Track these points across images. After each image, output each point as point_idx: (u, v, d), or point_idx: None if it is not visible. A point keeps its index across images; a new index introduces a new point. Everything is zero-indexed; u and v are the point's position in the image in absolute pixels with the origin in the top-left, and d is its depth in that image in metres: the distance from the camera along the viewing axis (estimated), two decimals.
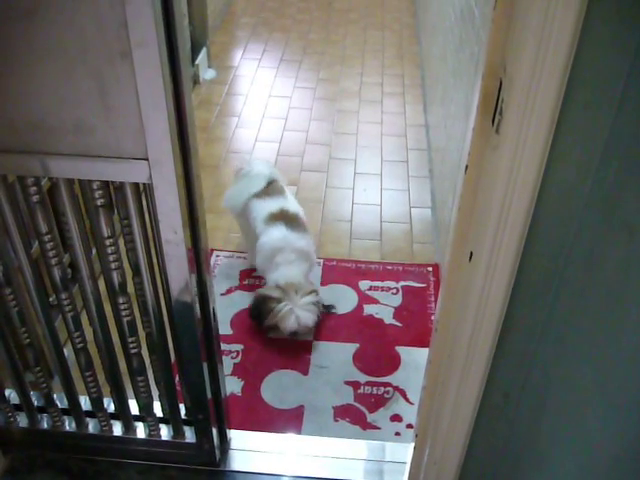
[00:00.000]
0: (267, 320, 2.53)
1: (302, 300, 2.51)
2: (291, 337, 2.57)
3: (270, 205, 2.72)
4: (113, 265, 1.58)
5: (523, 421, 1.40)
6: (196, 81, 4.41)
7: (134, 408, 1.97)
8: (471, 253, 1.21)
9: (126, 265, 1.61)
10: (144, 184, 1.44)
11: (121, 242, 1.56)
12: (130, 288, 1.65)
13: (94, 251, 1.60)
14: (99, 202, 1.47)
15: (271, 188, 2.79)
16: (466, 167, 1.18)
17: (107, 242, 1.54)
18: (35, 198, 1.48)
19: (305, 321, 2.51)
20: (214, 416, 1.93)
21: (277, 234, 2.63)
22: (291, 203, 2.79)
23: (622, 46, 0.95)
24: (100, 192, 1.45)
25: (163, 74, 1.24)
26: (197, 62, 4.37)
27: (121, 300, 1.65)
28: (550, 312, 1.22)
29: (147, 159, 1.35)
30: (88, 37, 1.21)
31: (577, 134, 1.04)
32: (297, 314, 2.49)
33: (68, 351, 1.85)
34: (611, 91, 1.00)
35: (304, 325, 2.52)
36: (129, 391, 1.90)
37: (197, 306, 1.66)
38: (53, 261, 1.59)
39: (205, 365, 1.78)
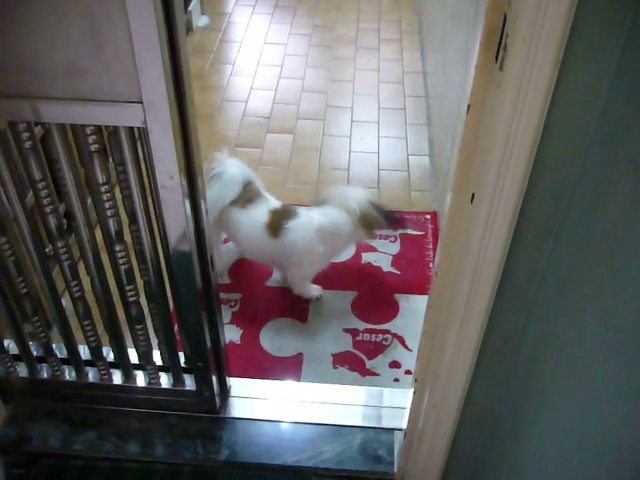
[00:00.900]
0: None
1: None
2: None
3: (259, 214, 2.43)
4: (109, 212, 1.56)
5: (523, 364, 1.40)
6: (189, 28, 4.32)
7: (133, 357, 1.97)
8: (473, 195, 1.19)
9: (122, 213, 1.59)
10: (139, 129, 1.41)
11: (117, 191, 1.54)
12: (127, 237, 1.63)
13: (90, 200, 1.58)
14: (93, 147, 1.44)
15: (249, 193, 2.46)
16: (468, 107, 1.15)
17: (102, 189, 1.52)
18: (27, 144, 1.45)
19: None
20: (213, 364, 1.94)
21: (308, 226, 2.40)
22: (273, 200, 2.50)
23: None
24: (94, 137, 1.42)
25: (156, 14, 1.21)
26: (190, 9, 4.27)
27: (118, 248, 1.64)
28: (552, 254, 1.21)
29: (141, 102, 1.32)
30: None
31: (583, 69, 1.01)
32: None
33: (66, 301, 1.85)
34: (618, 26, 0.97)
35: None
36: (128, 340, 1.90)
37: (195, 254, 1.64)
38: (48, 209, 1.57)
39: (204, 313, 1.78)
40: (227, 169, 2.47)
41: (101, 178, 1.50)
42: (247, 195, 2.45)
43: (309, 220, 2.42)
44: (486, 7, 1.05)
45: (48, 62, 1.29)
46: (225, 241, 2.76)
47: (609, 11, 0.97)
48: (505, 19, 1.01)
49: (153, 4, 1.19)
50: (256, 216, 2.42)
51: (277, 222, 2.40)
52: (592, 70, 1.02)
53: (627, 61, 0.97)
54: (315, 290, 2.57)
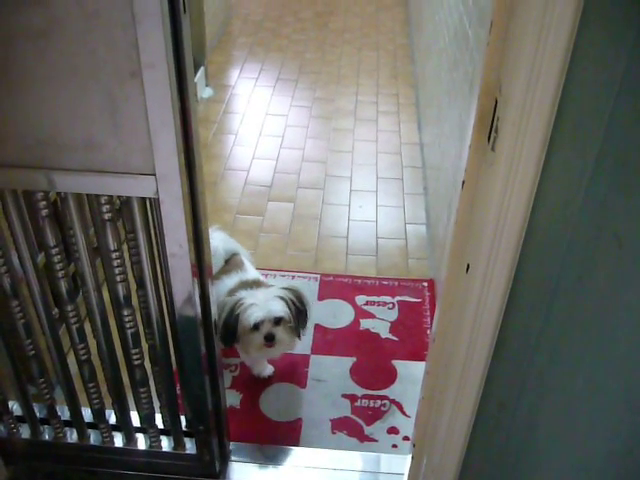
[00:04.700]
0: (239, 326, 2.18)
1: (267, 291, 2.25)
2: (267, 341, 2.21)
3: (228, 284, 2.39)
4: (118, 278, 1.62)
5: (519, 429, 1.44)
6: None
7: (135, 419, 2.00)
8: (468, 265, 1.26)
9: (130, 277, 1.65)
10: (151, 199, 1.48)
11: (126, 255, 1.60)
12: (134, 300, 1.68)
13: (98, 263, 1.64)
14: (106, 216, 1.51)
15: (229, 265, 2.48)
16: (463, 182, 1.22)
17: (113, 255, 1.58)
18: (44, 212, 1.52)
19: (274, 309, 2.19)
20: (214, 428, 1.96)
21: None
22: (252, 272, 2.49)
23: (611, 68, 1.00)
24: (107, 206, 1.50)
25: (171, 93, 1.29)
26: (195, 81, 4.42)
27: (125, 312, 1.69)
28: (544, 322, 1.26)
29: (154, 174, 1.40)
30: (100, 57, 1.26)
31: (569, 151, 1.09)
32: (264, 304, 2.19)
33: (71, 362, 1.88)
34: (601, 110, 1.05)
35: (272, 315, 2.18)
36: (131, 402, 1.93)
37: (200, 319, 1.69)
38: (60, 273, 1.63)
39: (206, 377, 1.82)
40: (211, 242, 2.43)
41: (112, 245, 1.56)
42: (227, 267, 2.47)
43: (249, 294, 2.27)
44: (479, 92, 1.13)
45: (68, 136, 1.37)
46: None
47: (592, 97, 1.05)
48: (496, 104, 1.10)
49: (169, 84, 1.28)
50: (224, 286, 2.38)
51: (237, 289, 2.34)
52: (578, 149, 1.10)
53: (610, 141, 1.05)
54: (268, 370, 2.55)
